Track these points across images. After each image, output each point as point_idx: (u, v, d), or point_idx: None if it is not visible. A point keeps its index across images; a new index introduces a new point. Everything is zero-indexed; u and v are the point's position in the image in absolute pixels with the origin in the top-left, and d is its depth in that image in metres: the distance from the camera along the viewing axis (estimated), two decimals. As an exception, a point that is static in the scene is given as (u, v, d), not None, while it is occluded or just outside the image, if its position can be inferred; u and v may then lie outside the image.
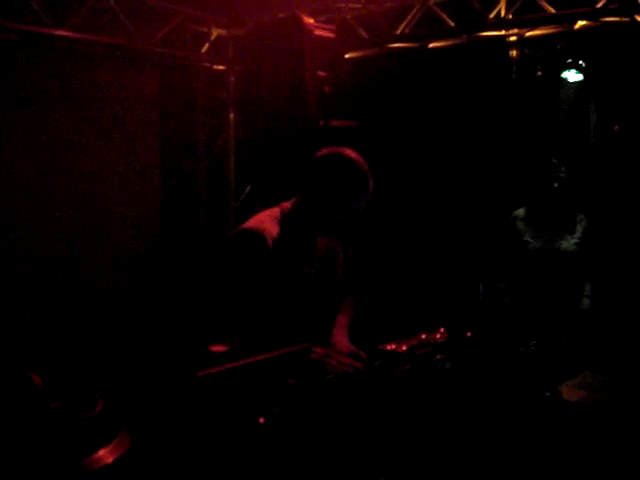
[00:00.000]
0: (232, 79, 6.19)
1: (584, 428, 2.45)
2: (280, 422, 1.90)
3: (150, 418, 1.81)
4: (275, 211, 2.88)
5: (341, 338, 3.00)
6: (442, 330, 2.91)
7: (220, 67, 6.21)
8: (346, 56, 5.25)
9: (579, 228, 4.67)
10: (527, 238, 4.71)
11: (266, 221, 2.80)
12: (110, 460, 1.56)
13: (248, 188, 6.16)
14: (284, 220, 2.84)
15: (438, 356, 2.52)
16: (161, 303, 5.39)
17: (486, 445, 2.28)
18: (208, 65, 6.17)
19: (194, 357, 1.97)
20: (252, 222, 2.81)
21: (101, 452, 1.56)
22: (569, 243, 4.63)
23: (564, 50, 5.12)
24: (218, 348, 2.11)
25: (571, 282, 4.60)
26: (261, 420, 1.87)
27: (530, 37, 5.07)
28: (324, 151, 2.85)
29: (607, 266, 4.79)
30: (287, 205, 2.90)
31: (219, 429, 1.85)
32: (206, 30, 6.01)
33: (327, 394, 2.13)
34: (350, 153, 2.80)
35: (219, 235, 5.94)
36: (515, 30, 5.09)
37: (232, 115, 6.22)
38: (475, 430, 2.33)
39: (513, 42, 5.12)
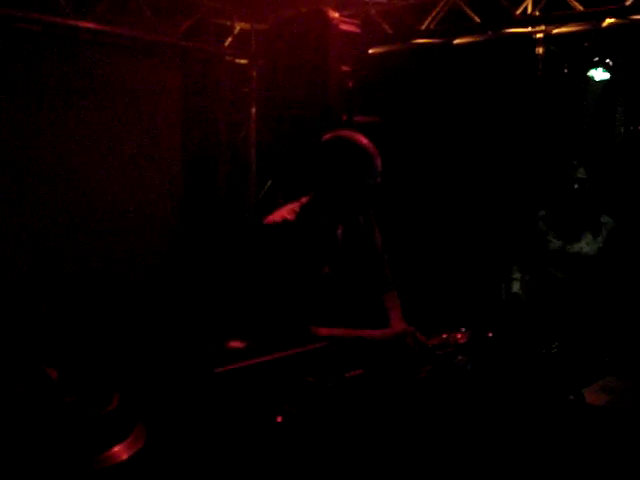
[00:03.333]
0: (254, 73, 6.16)
1: (609, 433, 2.39)
2: (297, 421, 1.87)
3: (166, 414, 1.78)
4: (295, 205, 2.88)
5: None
6: (463, 330, 2.88)
7: (243, 61, 6.18)
8: (369, 51, 5.19)
9: (604, 231, 4.61)
10: (549, 238, 4.67)
11: (286, 214, 2.81)
12: (125, 457, 1.53)
13: (269, 183, 6.12)
14: (302, 210, 2.84)
15: (460, 357, 2.47)
16: (180, 299, 5.36)
17: (508, 448, 2.23)
18: (231, 59, 6.14)
19: (212, 353, 1.94)
20: (272, 216, 2.82)
21: (116, 449, 1.53)
22: (591, 247, 4.58)
23: (591, 48, 5.04)
24: (236, 344, 2.08)
25: (590, 284, 4.55)
26: (278, 419, 1.84)
27: (557, 34, 4.99)
28: (326, 137, 2.85)
29: (632, 270, 4.72)
30: (305, 199, 2.91)
31: (236, 427, 1.81)
32: (229, 24, 5.98)
33: (345, 393, 2.09)
34: (351, 134, 2.81)
35: (239, 230, 5.91)
36: (542, 27, 5.01)
37: (254, 109, 6.19)
38: (497, 433, 2.28)
39: (539, 39, 5.04)
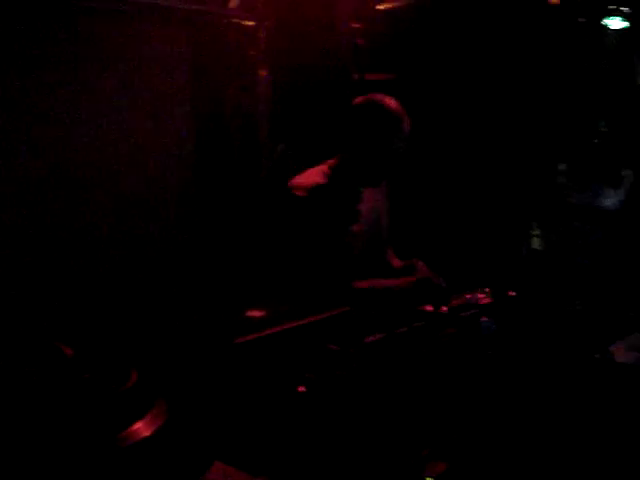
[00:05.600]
0: (262, 35, 6.03)
1: (638, 391, 2.35)
2: (320, 390, 1.82)
3: (187, 388, 1.74)
4: (323, 167, 2.89)
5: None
6: (486, 290, 2.84)
7: (250, 23, 6.05)
8: (379, 7, 5.07)
9: (625, 184, 4.55)
10: (569, 193, 4.62)
11: (313, 175, 2.82)
12: (147, 433, 1.49)
13: (281, 147, 6.03)
14: (331, 172, 2.84)
15: (483, 318, 2.43)
16: (196, 269, 5.33)
17: (535, 410, 2.19)
18: (237, 21, 6.01)
19: (231, 323, 1.90)
20: (300, 178, 2.83)
21: (137, 425, 1.49)
22: (612, 200, 4.52)
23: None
24: (255, 313, 2.04)
25: (612, 238, 4.49)
26: (301, 388, 1.79)
27: (572, -19, 4.86)
28: (357, 100, 2.91)
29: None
30: (332, 162, 2.91)
31: (258, 398, 1.77)
32: (234, -16, 5.85)
33: (368, 359, 2.05)
34: (382, 98, 2.85)
35: (253, 195, 5.85)
36: (556, -26, 4.88)
37: (263, 72, 6.07)
38: (523, 394, 2.23)
39: (554, -14, 4.91)
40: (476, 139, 5.45)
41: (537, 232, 4.73)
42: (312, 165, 3.03)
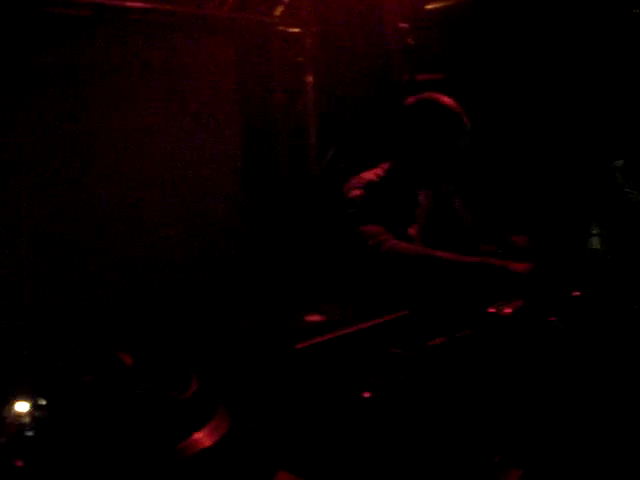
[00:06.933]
0: (308, 41, 6.00)
1: None
2: (386, 395, 1.76)
3: (248, 396, 1.69)
4: (377, 170, 2.84)
5: None
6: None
7: (295, 30, 6.02)
8: (427, 7, 4.99)
9: (685, 179, 4.41)
10: (627, 190, 4.49)
11: (368, 177, 2.76)
12: (208, 443, 1.44)
13: (331, 152, 5.99)
14: (387, 174, 2.78)
15: (551, 319, 2.34)
16: (248, 272, 5.31)
17: (610, 411, 2.09)
18: (283, 28, 5.99)
19: (291, 329, 1.85)
20: (353, 180, 2.77)
21: (197, 435, 1.45)
22: (672, 196, 4.39)
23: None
24: (314, 318, 1.99)
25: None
26: (366, 394, 1.73)
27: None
28: (409, 100, 2.79)
29: None
30: (387, 165, 2.85)
31: (321, 405, 1.71)
32: (279, -8, 5.84)
33: (433, 363, 1.97)
34: (437, 96, 2.75)
35: (303, 201, 5.81)
36: (609, -35, 4.75)
37: (310, 78, 6.04)
38: (596, 395, 2.14)
39: (608, -21, 4.78)
40: (530, 139, 5.33)
41: (597, 231, 4.60)
42: (362, 169, 2.97)
